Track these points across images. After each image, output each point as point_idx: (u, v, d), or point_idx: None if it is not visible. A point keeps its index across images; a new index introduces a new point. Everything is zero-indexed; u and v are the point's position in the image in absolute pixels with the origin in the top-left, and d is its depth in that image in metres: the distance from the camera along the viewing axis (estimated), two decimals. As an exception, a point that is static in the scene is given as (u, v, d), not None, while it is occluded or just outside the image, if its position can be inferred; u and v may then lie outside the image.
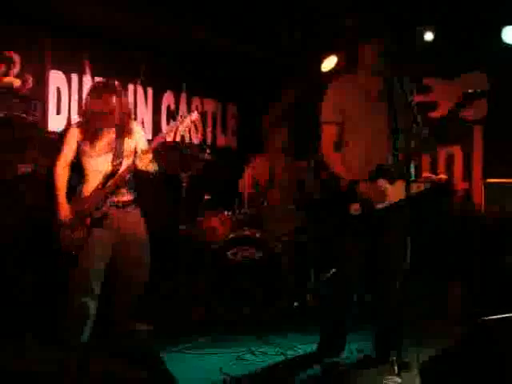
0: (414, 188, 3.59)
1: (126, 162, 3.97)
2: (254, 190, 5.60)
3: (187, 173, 5.22)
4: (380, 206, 3.65)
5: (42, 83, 4.78)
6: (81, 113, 4.13)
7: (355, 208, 3.65)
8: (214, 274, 5.03)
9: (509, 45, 5.50)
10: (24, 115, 4.64)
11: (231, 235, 5.13)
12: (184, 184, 5.30)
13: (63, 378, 2.57)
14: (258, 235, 5.10)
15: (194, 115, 4.07)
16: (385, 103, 3.71)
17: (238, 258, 5.05)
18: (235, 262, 5.04)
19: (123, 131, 4.03)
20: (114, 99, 3.91)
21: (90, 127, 3.93)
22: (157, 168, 4.04)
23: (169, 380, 2.70)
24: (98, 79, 4.87)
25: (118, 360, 2.65)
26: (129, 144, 4.04)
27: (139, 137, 4.13)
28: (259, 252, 5.04)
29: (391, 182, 3.65)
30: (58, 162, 3.99)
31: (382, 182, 3.66)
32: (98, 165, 3.96)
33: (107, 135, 3.99)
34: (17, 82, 4.62)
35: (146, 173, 4.00)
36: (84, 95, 4.89)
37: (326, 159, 3.81)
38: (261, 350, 4.16)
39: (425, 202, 3.78)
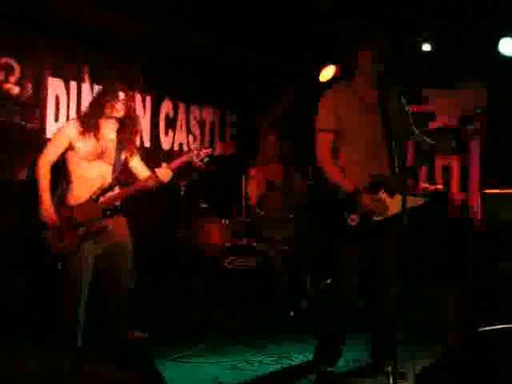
0: (412, 203, 3.59)
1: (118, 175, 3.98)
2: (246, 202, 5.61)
3: (185, 181, 5.25)
4: (377, 218, 3.65)
5: (40, 90, 4.78)
6: (84, 119, 4.00)
7: (353, 219, 3.65)
8: (211, 281, 5.04)
9: (505, 56, 5.53)
10: (23, 122, 4.64)
11: (228, 243, 5.14)
12: (182, 192, 5.31)
13: (57, 380, 2.58)
14: (254, 244, 5.11)
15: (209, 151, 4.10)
16: (381, 111, 3.71)
17: (235, 266, 5.06)
18: (232, 270, 5.05)
19: (126, 143, 4.00)
20: (128, 107, 3.96)
21: (92, 121, 3.86)
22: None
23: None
24: (98, 87, 4.85)
25: (111, 363, 2.66)
26: (123, 156, 4.03)
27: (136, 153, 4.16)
28: (255, 260, 5.05)
29: (391, 195, 3.65)
30: (41, 161, 3.86)
31: (383, 195, 3.65)
32: (88, 170, 3.88)
33: (105, 140, 3.93)
34: (16, 89, 4.62)
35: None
36: (83, 102, 4.94)
37: (323, 167, 3.79)
38: (256, 358, 4.15)
39: (423, 214, 3.78)
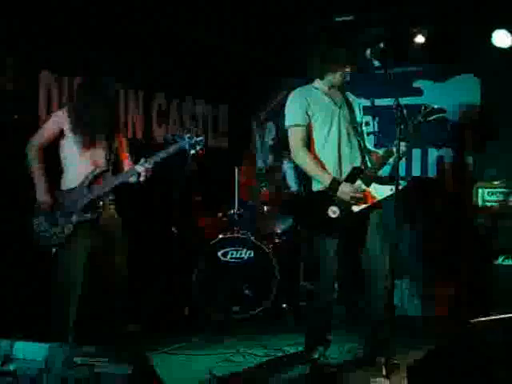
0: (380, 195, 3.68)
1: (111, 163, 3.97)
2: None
3: (178, 173, 5.23)
4: (356, 209, 3.70)
5: (33, 85, 4.77)
6: (75, 107, 4.00)
7: (333, 210, 3.68)
8: (205, 273, 5.05)
9: (499, 48, 5.53)
10: (15, 116, 4.62)
11: (221, 236, 5.14)
12: (175, 185, 5.30)
13: (49, 376, 2.60)
14: (248, 236, 5.11)
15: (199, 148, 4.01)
16: (348, 110, 3.86)
17: (228, 259, 5.07)
18: (225, 262, 5.06)
19: (114, 130, 4.02)
20: (110, 99, 3.96)
21: (82, 117, 3.87)
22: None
23: (154, 378, 2.72)
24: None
25: (104, 358, 2.67)
26: (116, 144, 4.03)
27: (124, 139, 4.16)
28: (249, 252, 5.06)
29: (367, 185, 3.69)
30: (29, 144, 3.87)
31: (360, 185, 3.71)
32: (80, 157, 3.89)
33: (95, 128, 3.92)
34: (8, 84, 4.60)
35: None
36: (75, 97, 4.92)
37: (300, 161, 3.84)
38: (249, 351, 4.17)
39: (406, 204, 3.83)
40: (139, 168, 3.84)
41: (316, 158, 3.80)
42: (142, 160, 3.86)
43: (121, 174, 3.98)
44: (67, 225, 3.81)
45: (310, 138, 3.83)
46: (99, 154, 3.95)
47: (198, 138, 3.91)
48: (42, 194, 3.84)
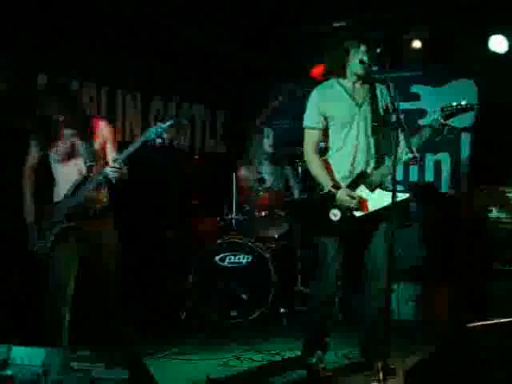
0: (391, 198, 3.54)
1: (97, 166, 3.87)
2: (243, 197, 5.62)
3: (176, 177, 5.24)
4: (358, 214, 3.71)
5: (30, 88, 4.77)
6: (32, 117, 4.00)
7: (334, 213, 3.72)
8: (202, 278, 5.04)
9: (495, 53, 5.55)
10: (14, 120, 4.62)
11: (219, 240, 5.14)
12: (173, 189, 5.31)
13: (46, 380, 2.60)
14: (245, 241, 5.11)
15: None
16: (370, 108, 3.79)
17: (226, 263, 5.06)
18: (223, 267, 5.05)
19: (87, 133, 3.90)
20: (66, 102, 3.83)
21: (46, 132, 3.85)
22: (126, 177, 3.86)
23: (150, 382, 2.72)
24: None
25: (100, 362, 2.67)
26: (97, 145, 3.91)
27: (106, 136, 3.97)
28: (247, 257, 5.06)
29: (372, 190, 3.69)
30: (25, 164, 3.94)
31: (362, 191, 3.71)
32: (65, 169, 3.87)
33: (69, 138, 3.87)
34: (6, 86, 4.61)
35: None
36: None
37: (308, 163, 3.87)
38: (247, 355, 4.17)
39: (408, 209, 3.82)
40: (108, 169, 3.77)
41: (325, 161, 3.82)
42: (112, 160, 3.81)
43: (94, 176, 3.86)
44: (50, 236, 3.82)
45: (326, 139, 3.85)
46: (81, 161, 3.88)
47: (164, 125, 3.70)
48: (26, 212, 3.90)
